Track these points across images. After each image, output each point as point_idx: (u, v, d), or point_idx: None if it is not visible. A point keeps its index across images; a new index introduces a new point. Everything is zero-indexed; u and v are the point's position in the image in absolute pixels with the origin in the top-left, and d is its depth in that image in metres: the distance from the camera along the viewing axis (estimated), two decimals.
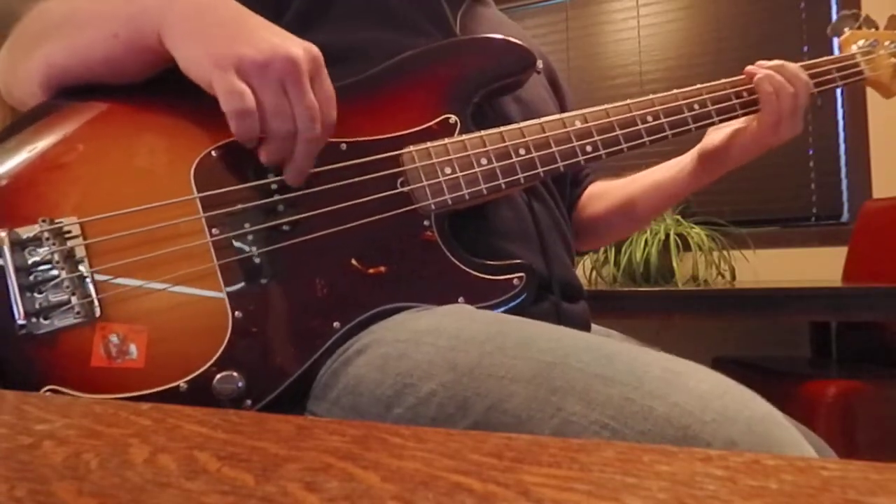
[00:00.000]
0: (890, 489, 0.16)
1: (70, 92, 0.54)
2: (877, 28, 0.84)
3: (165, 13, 0.49)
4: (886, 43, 0.82)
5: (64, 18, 0.54)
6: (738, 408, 0.36)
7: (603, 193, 0.87)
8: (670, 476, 0.17)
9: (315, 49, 0.50)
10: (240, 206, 0.51)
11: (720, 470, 0.18)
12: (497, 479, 0.18)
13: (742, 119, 0.73)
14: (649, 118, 0.65)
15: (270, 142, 0.49)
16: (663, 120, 0.66)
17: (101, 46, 0.51)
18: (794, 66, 0.72)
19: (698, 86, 0.69)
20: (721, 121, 0.70)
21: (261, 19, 0.50)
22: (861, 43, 0.82)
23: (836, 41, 0.87)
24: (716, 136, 0.76)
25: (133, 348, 0.46)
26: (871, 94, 0.86)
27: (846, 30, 0.84)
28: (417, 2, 0.67)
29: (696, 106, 0.68)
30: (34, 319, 0.46)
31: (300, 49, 0.48)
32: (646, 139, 0.65)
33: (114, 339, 0.46)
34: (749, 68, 0.72)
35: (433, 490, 0.17)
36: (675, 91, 0.68)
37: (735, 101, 0.70)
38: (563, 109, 0.80)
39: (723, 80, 0.71)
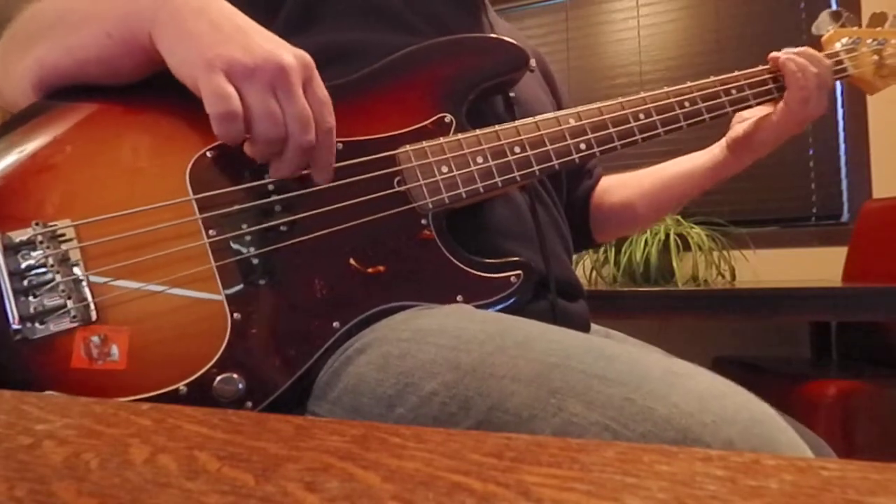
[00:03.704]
0: (890, 489, 0.16)
1: (63, 92, 0.53)
2: (859, 26, 0.85)
3: (158, 14, 0.49)
4: (868, 40, 0.84)
5: (57, 19, 0.54)
6: (736, 409, 0.36)
7: (630, 180, 0.89)
8: (670, 476, 0.17)
9: (307, 57, 0.49)
10: (236, 207, 0.51)
11: (720, 470, 0.18)
12: (497, 479, 0.17)
13: (767, 105, 0.76)
14: (641, 116, 0.66)
15: (256, 144, 0.48)
16: (655, 117, 0.67)
17: (95, 46, 0.51)
18: (814, 52, 0.77)
19: (689, 84, 0.71)
20: (712, 118, 0.71)
21: (255, 24, 0.50)
22: (844, 41, 0.84)
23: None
24: (742, 124, 0.79)
25: (115, 349, 0.46)
26: (865, 92, 0.87)
27: (829, 28, 0.85)
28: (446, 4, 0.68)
29: (686, 104, 0.69)
30: (29, 324, 0.45)
31: (292, 56, 0.48)
32: (638, 136, 0.66)
33: (95, 339, 0.46)
34: (774, 54, 0.76)
35: (433, 490, 0.17)
36: (666, 89, 0.69)
37: (724, 99, 0.72)
38: (559, 106, 0.80)
39: (712, 78, 0.72)
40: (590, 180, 0.89)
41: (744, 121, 0.79)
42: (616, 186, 0.89)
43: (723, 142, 0.82)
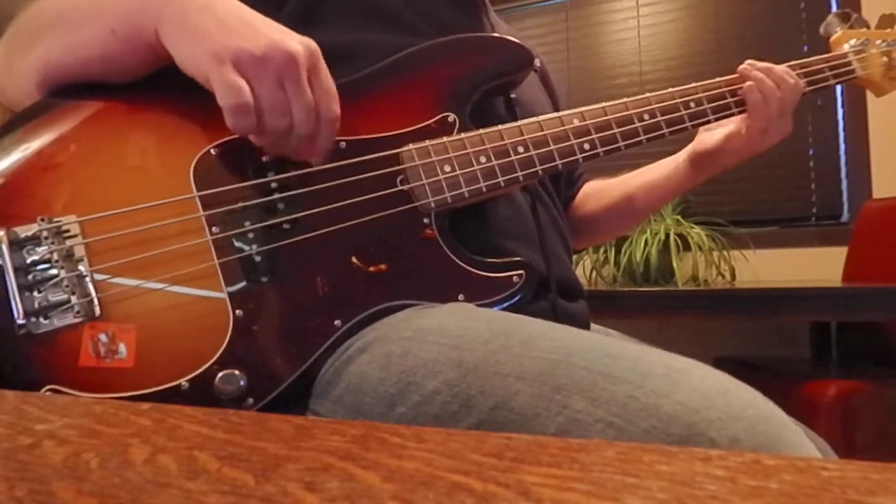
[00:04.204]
0: (890, 489, 0.16)
1: (67, 90, 0.53)
2: (868, 27, 0.85)
3: (164, 9, 0.49)
4: (878, 42, 0.83)
5: (59, 16, 0.54)
6: (742, 405, 0.36)
7: (598, 192, 0.88)
8: (670, 476, 0.17)
9: (313, 44, 0.49)
10: (240, 205, 0.51)
11: (720, 470, 0.18)
12: (497, 479, 0.17)
13: (734, 120, 0.74)
14: (646, 116, 0.65)
15: (266, 135, 0.49)
16: (660, 118, 0.66)
17: (98, 43, 0.51)
18: (780, 69, 0.73)
19: (694, 84, 0.70)
20: (717, 119, 0.70)
21: (259, 15, 0.50)
22: (853, 42, 0.83)
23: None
24: (708, 137, 0.77)
25: (122, 347, 0.46)
26: (872, 94, 0.87)
27: (838, 29, 0.85)
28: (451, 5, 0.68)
29: (692, 104, 0.68)
30: (33, 319, 0.46)
31: (298, 44, 0.48)
32: (643, 137, 0.65)
33: (102, 338, 0.46)
34: (742, 69, 0.73)
35: (433, 490, 0.17)
36: (671, 89, 0.68)
37: (730, 100, 0.71)
38: (556, 108, 0.80)
39: (717, 79, 0.72)
40: (571, 189, 0.89)
41: (710, 131, 0.78)
42: (591, 195, 0.89)
43: (686, 151, 0.80)
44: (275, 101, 0.47)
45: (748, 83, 0.71)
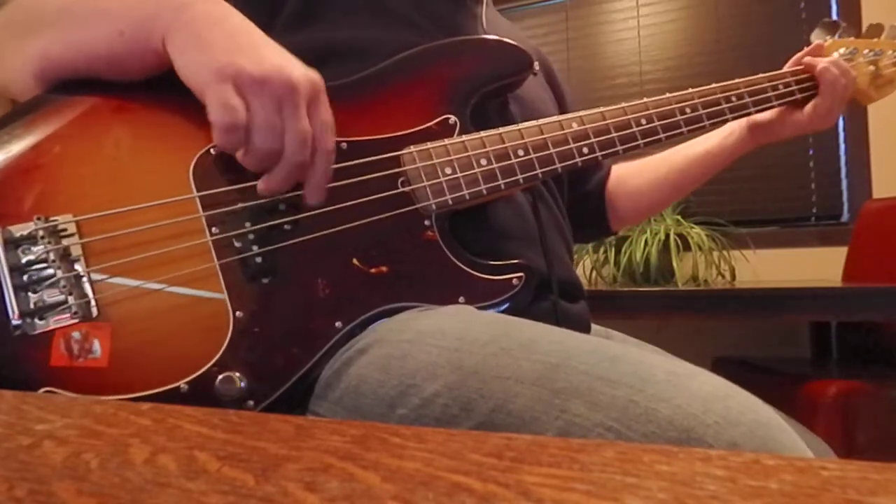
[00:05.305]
0: (890, 489, 0.16)
1: (66, 86, 0.53)
2: (856, 37, 0.87)
3: (177, 17, 0.49)
4: (865, 51, 0.86)
5: (62, 10, 0.53)
6: (741, 411, 0.36)
7: (642, 169, 0.91)
8: (670, 476, 0.17)
9: (316, 76, 0.49)
10: (240, 205, 0.51)
11: (720, 470, 0.18)
12: (497, 479, 0.17)
13: (798, 99, 0.80)
14: (643, 121, 0.66)
15: (252, 154, 0.48)
16: (657, 123, 0.67)
17: (104, 42, 0.51)
18: (844, 63, 0.81)
19: (690, 90, 0.72)
20: (712, 125, 0.72)
21: (269, 40, 0.50)
22: (842, 51, 0.85)
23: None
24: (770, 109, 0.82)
25: (96, 345, 0.46)
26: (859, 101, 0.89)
27: (827, 38, 0.86)
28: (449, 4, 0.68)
29: (687, 109, 0.70)
30: (29, 320, 0.45)
31: (301, 73, 0.48)
32: (640, 141, 0.66)
33: (76, 335, 0.45)
34: (809, 59, 0.81)
35: (433, 490, 0.17)
36: (668, 95, 0.70)
37: (725, 106, 0.73)
38: (561, 108, 0.81)
39: (713, 85, 0.74)
40: (601, 171, 0.91)
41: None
42: (631, 174, 0.91)
43: (743, 122, 0.84)
44: (267, 122, 0.47)
45: (822, 64, 0.78)
